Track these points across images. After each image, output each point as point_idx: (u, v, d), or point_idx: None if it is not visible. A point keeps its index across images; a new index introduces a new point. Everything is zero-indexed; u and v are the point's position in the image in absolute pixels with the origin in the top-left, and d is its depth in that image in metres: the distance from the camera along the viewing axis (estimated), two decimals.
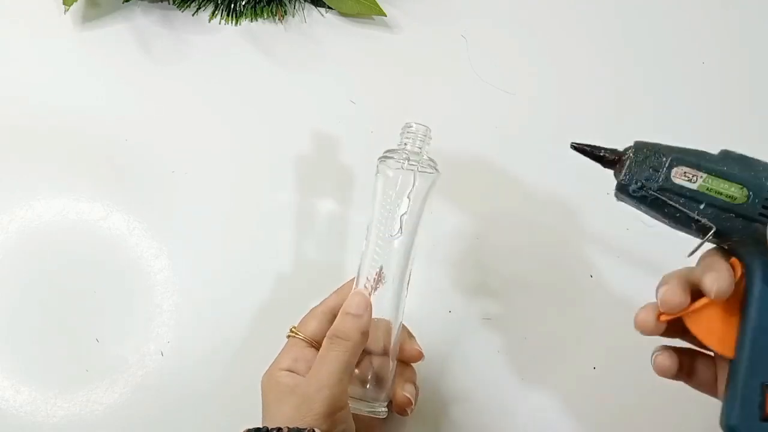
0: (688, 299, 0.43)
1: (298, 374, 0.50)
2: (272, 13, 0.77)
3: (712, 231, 0.44)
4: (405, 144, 0.55)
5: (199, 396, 0.60)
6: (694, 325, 0.44)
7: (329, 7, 0.77)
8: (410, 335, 0.56)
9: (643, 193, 0.45)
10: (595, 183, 0.69)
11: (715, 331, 0.44)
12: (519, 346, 0.62)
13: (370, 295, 0.53)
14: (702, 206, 0.43)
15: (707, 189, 0.43)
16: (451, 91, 0.74)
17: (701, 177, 0.43)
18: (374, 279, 0.53)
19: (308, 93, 0.73)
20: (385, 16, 0.76)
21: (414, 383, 0.55)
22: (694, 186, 0.44)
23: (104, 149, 0.70)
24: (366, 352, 0.53)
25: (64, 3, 0.73)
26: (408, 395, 0.53)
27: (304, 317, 0.55)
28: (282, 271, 0.65)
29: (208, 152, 0.70)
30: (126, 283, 0.64)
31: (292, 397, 0.48)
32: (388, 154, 0.55)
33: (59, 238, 0.66)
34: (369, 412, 0.53)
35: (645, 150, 0.45)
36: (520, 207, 0.68)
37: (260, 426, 0.47)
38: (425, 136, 0.55)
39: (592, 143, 0.48)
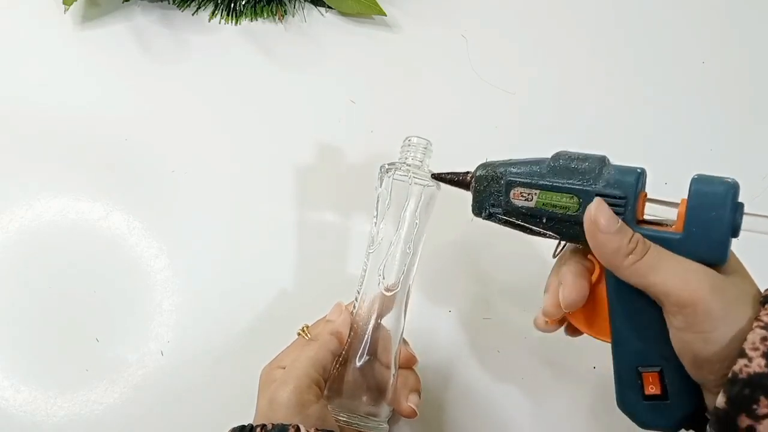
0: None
1: None
2: (272, 12, 0.77)
3: (560, 243, 0.48)
4: (406, 158, 0.55)
5: (199, 395, 0.60)
6: (575, 320, 0.48)
7: (329, 7, 0.77)
8: (404, 341, 0.56)
9: (492, 219, 0.49)
10: None
11: (593, 323, 0.47)
12: (519, 346, 0.62)
13: (354, 306, 0.54)
14: (544, 220, 0.46)
15: (543, 204, 0.46)
16: (451, 91, 0.74)
17: (536, 194, 0.46)
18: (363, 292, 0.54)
19: (308, 93, 0.73)
20: (385, 15, 0.76)
21: (418, 392, 0.55)
22: (531, 204, 0.46)
23: (104, 149, 0.70)
24: (368, 362, 0.53)
25: (64, 3, 0.73)
26: (413, 406, 0.54)
27: (319, 320, 0.55)
28: (282, 270, 0.65)
29: (208, 152, 0.70)
30: (126, 283, 0.64)
31: (268, 392, 0.49)
32: (389, 167, 0.55)
33: (59, 238, 0.66)
34: (372, 428, 0.53)
35: (484, 179, 0.48)
36: None
37: (245, 424, 0.47)
38: (426, 149, 0.55)
39: (448, 171, 0.52)
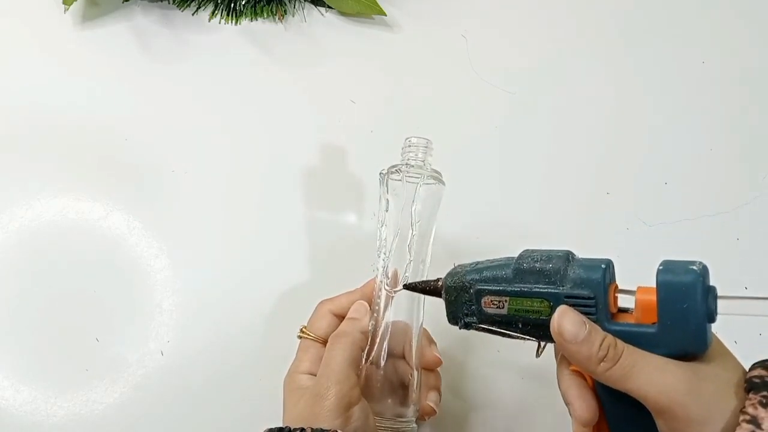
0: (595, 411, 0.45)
1: (315, 375, 0.51)
2: (272, 12, 0.77)
3: (540, 343, 0.46)
4: (407, 159, 0.55)
5: (199, 395, 0.60)
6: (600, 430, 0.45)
7: (329, 7, 0.77)
8: (431, 341, 0.56)
9: (469, 328, 0.47)
10: (596, 182, 0.69)
11: None
12: (519, 346, 0.62)
13: (375, 297, 0.54)
14: (520, 326, 0.45)
15: (516, 311, 0.45)
16: (451, 91, 0.74)
17: (506, 301, 0.45)
18: (384, 283, 0.54)
19: (308, 93, 0.73)
20: (385, 15, 0.76)
21: (438, 390, 0.55)
22: (504, 311, 0.45)
23: (104, 149, 0.70)
24: (390, 364, 0.53)
25: (64, 2, 0.73)
26: (432, 404, 0.54)
27: (312, 316, 0.55)
28: (282, 269, 0.65)
29: (207, 151, 0.70)
30: (126, 283, 0.64)
31: (306, 397, 0.49)
32: (392, 169, 0.55)
33: (59, 238, 0.66)
34: (400, 429, 0.53)
35: (453, 290, 0.47)
36: (520, 206, 0.68)
37: (282, 426, 0.47)
38: (426, 148, 0.55)
39: (420, 281, 0.51)
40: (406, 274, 0.54)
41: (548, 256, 0.44)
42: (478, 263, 0.47)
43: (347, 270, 0.65)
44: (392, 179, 0.55)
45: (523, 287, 0.44)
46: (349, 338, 0.51)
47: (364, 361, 0.53)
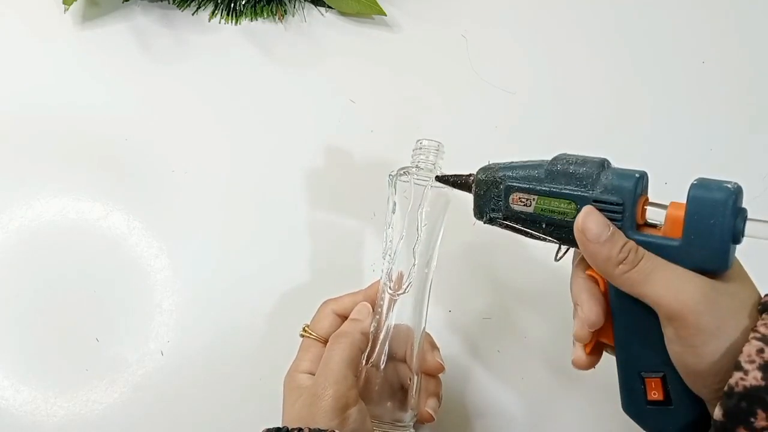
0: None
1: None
2: (272, 12, 0.77)
3: (560, 247, 0.47)
4: (417, 162, 0.54)
5: (199, 395, 0.60)
6: (604, 337, 0.46)
7: (329, 7, 0.77)
8: (434, 346, 0.56)
9: (493, 223, 0.48)
10: None
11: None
12: (519, 346, 0.62)
13: (379, 301, 0.54)
14: (543, 225, 0.46)
15: (541, 210, 0.45)
16: (451, 91, 0.74)
17: (534, 200, 0.46)
18: (388, 287, 0.54)
19: (308, 92, 0.73)
20: (385, 15, 0.76)
21: (437, 396, 0.55)
22: (530, 210, 0.46)
23: (104, 149, 0.70)
24: (390, 368, 0.53)
25: (64, 2, 0.73)
26: (430, 411, 0.54)
27: (316, 315, 0.55)
28: (282, 269, 0.65)
29: (207, 151, 0.70)
30: (126, 283, 0.64)
31: (304, 397, 0.49)
32: (401, 171, 0.54)
33: (59, 238, 0.66)
34: None
35: (484, 183, 0.48)
36: None
37: (280, 426, 0.47)
38: (437, 151, 0.55)
39: (452, 173, 0.52)
40: (410, 278, 0.54)
41: (583, 160, 0.45)
42: (512, 162, 0.48)
43: (347, 270, 0.65)
44: (401, 181, 0.54)
45: (553, 187, 0.45)
46: (349, 339, 0.51)
47: (364, 363, 0.53)
